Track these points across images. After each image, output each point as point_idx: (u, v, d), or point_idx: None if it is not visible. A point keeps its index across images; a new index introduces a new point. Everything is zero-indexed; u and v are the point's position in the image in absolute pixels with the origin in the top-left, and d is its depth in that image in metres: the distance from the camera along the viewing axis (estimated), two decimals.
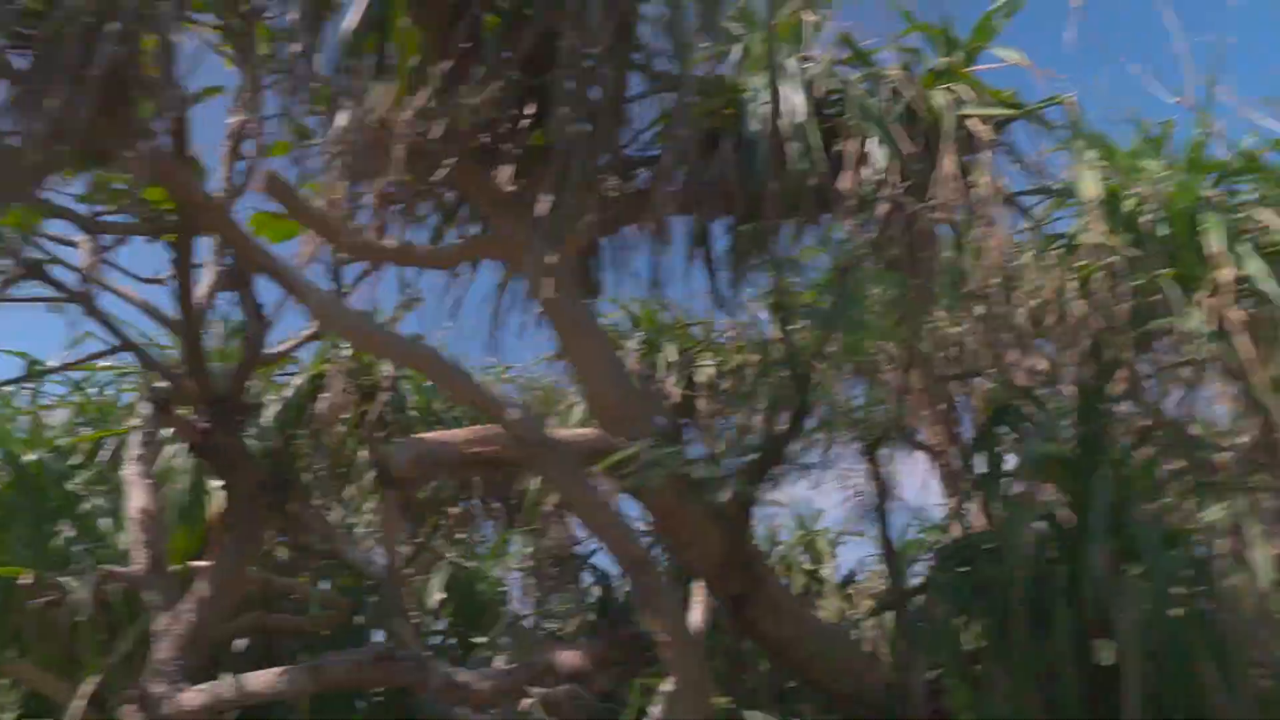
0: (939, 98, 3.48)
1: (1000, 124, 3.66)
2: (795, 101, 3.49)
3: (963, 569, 3.37)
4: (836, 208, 3.30)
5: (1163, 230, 3.71)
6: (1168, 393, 3.56)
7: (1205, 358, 3.33)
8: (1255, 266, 3.38)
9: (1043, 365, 3.58)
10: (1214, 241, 3.45)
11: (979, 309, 3.53)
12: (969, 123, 3.51)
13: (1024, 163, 3.68)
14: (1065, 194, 3.70)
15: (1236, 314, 3.37)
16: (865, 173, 3.42)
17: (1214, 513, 3.08)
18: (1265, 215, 3.46)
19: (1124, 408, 3.49)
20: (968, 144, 3.48)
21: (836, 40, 3.76)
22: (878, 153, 3.41)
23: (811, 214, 3.40)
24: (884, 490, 3.89)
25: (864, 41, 3.85)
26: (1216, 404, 3.44)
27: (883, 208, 3.27)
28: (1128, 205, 3.78)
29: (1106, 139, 4.12)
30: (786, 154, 3.41)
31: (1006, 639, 3.03)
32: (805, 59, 3.66)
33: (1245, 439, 3.34)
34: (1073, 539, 3.15)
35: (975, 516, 3.70)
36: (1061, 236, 3.77)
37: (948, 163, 3.28)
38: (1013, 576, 3.01)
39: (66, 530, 4.05)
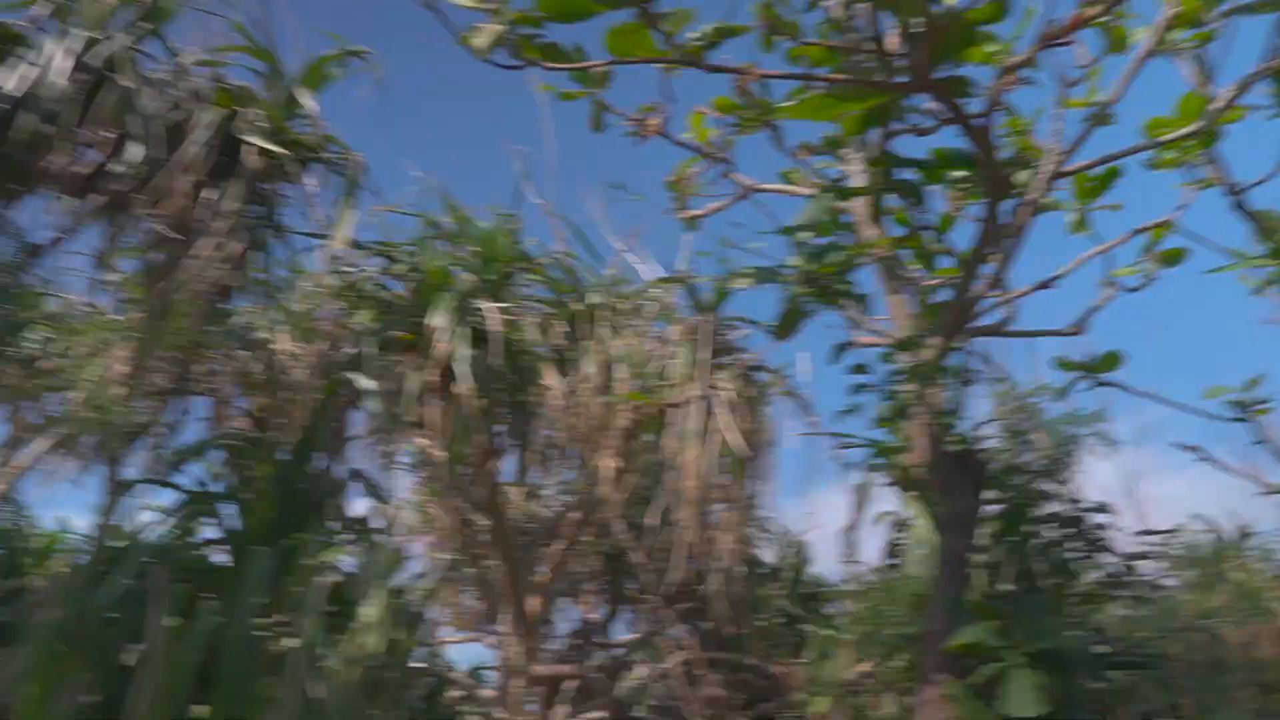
0: (210, 116, 3.53)
1: (296, 162, 3.81)
2: (61, 71, 3.36)
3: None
4: (49, 187, 3.19)
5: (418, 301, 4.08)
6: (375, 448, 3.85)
7: (395, 418, 3.64)
8: (462, 348, 3.79)
9: (270, 405, 3.72)
10: (437, 318, 3.84)
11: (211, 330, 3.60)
12: (245, 150, 3.61)
13: (307, 203, 3.85)
14: (330, 240, 3.90)
15: (436, 383, 3.76)
16: (116, 165, 3.37)
17: (331, 554, 3.31)
18: (486, 305, 3.90)
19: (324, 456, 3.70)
20: (232, 169, 3.56)
21: (147, 33, 3.69)
22: (133, 149, 3.38)
23: (24, 188, 3.26)
24: (115, 492, 3.79)
25: (199, 45, 3.85)
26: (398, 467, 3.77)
27: (98, 200, 3.22)
28: (399, 269, 4.10)
29: (436, 213, 4.50)
30: (27, 121, 3.26)
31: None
32: (104, 35, 3.55)
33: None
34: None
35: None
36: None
37: (183, 179, 3.32)
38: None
39: None
